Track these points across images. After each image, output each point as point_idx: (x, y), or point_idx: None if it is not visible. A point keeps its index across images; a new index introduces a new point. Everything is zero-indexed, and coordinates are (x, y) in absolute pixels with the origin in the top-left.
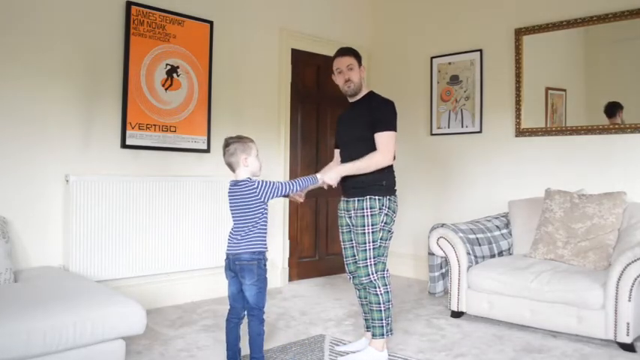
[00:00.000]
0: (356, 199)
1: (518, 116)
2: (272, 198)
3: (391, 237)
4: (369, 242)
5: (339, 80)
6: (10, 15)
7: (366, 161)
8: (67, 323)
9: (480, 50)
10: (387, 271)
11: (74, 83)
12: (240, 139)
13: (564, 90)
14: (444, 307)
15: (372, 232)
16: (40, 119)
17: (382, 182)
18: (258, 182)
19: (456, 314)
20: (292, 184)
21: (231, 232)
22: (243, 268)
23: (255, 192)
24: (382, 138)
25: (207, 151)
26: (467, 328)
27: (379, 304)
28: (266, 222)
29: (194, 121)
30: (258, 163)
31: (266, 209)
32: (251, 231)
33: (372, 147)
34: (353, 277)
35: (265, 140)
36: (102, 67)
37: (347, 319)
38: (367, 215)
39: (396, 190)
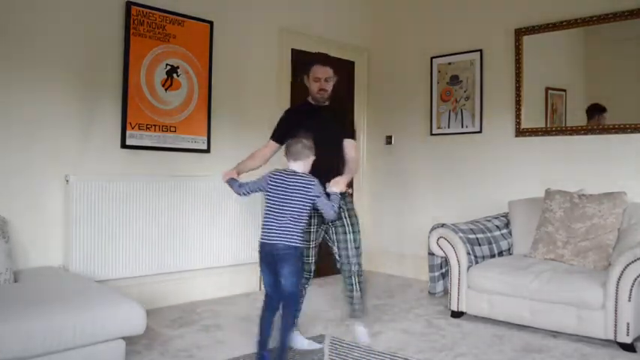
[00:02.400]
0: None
1: (518, 116)
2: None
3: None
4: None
5: (314, 87)
6: (9, 15)
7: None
8: (67, 323)
9: (480, 50)
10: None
11: (74, 83)
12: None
13: (564, 90)
14: (444, 307)
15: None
16: (40, 119)
17: None
18: (318, 182)
19: (456, 314)
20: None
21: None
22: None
23: (314, 190)
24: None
25: (207, 151)
26: (467, 328)
27: None
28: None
29: (194, 121)
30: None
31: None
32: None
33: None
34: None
35: (265, 140)
36: (102, 67)
37: (347, 319)
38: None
39: None
